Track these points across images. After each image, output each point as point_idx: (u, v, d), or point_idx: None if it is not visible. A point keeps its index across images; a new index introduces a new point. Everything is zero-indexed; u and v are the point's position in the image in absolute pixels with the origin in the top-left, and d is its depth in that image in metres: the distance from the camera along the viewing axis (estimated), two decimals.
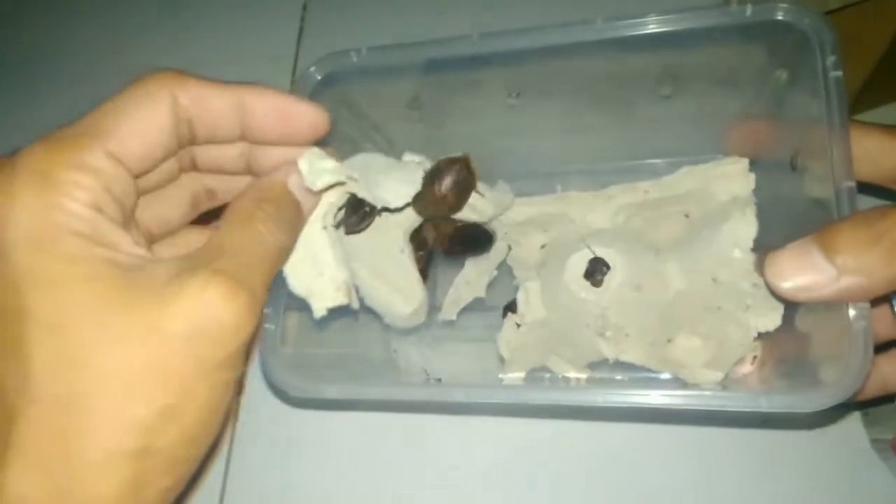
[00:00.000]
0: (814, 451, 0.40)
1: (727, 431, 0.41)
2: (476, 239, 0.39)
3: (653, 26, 0.33)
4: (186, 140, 0.28)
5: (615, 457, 0.41)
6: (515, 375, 0.37)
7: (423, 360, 0.42)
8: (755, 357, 0.37)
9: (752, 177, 0.37)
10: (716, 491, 0.40)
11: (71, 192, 0.23)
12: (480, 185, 0.38)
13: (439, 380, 0.38)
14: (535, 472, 0.42)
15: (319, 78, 0.38)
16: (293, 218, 0.30)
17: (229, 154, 0.31)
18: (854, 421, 0.40)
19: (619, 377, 0.37)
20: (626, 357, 0.36)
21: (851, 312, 0.27)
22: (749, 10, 0.32)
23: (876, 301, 0.32)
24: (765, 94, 0.36)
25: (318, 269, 0.32)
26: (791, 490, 0.40)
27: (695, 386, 0.33)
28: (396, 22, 0.57)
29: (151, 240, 0.31)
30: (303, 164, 0.31)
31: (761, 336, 0.36)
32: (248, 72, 0.56)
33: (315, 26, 0.60)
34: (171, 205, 0.31)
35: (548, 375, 0.37)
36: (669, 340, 0.37)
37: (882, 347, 0.34)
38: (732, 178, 0.38)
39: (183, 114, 0.27)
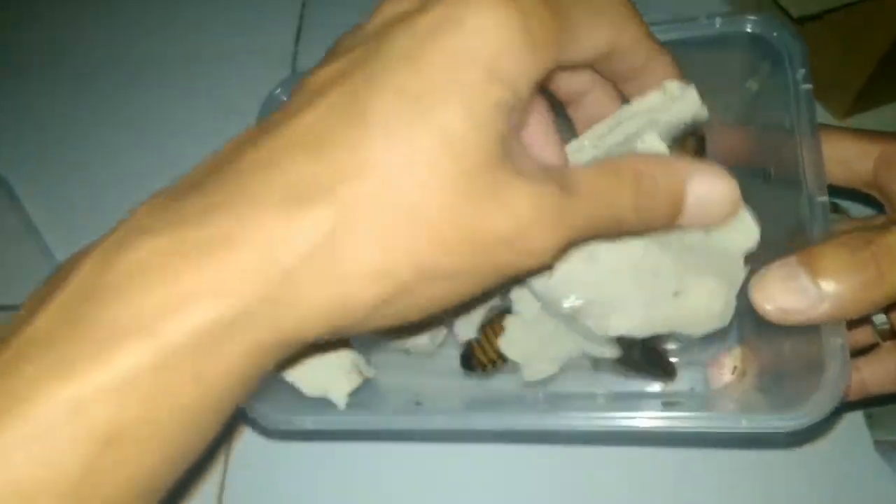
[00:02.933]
0: (817, 453, 0.40)
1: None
2: None
3: None
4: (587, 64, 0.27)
5: (609, 482, 0.41)
6: (536, 375, 0.36)
7: (404, 381, 0.42)
8: (735, 367, 0.37)
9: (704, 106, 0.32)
10: (717, 490, 0.40)
11: (537, 53, 0.23)
12: None
13: (419, 403, 0.37)
14: (517, 498, 0.42)
15: (285, 99, 0.37)
16: (657, 213, 0.26)
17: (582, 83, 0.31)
18: (857, 423, 0.41)
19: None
20: (618, 329, 0.33)
21: (828, 330, 0.27)
22: (718, 22, 0.32)
23: None
24: (735, 107, 0.36)
25: (324, 364, 0.33)
26: (794, 492, 0.40)
27: (676, 408, 0.33)
28: None
29: None
30: None
31: (742, 346, 0.36)
32: (246, 70, 0.58)
33: (314, 25, 0.60)
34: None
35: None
36: (676, 293, 0.33)
37: (859, 352, 0.35)
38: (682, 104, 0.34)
39: (613, 49, 0.26)
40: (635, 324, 0.33)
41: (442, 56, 0.22)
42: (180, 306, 0.20)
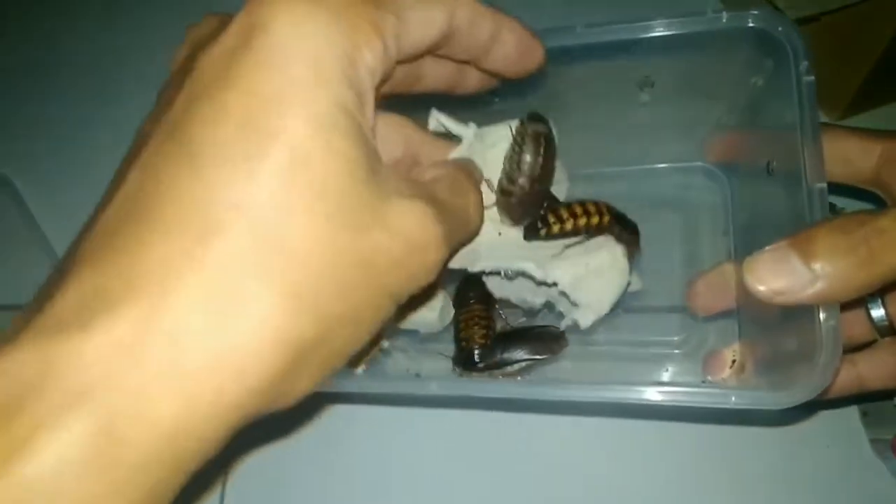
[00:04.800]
0: (812, 451, 0.40)
1: (722, 428, 0.41)
2: None
3: (630, 33, 0.33)
4: (433, 50, 0.26)
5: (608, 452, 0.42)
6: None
7: (408, 361, 0.43)
8: (734, 361, 0.38)
9: None
10: (713, 490, 0.41)
11: (361, 48, 0.21)
12: None
13: (417, 375, 0.38)
14: (511, 463, 0.43)
15: None
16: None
17: (448, 71, 0.29)
18: (853, 421, 0.41)
19: None
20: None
21: (822, 313, 0.28)
22: (724, 17, 0.33)
23: (851, 305, 0.33)
24: (741, 102, 0.37)
25: None
26: (790, 489, 0.40)
27: (670, 383, 0.33)
28: None
29: None
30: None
31: (741, 340, 0.36)
32: None
33: None
34: (387, 144, 0.29)
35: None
36: None
37: (858, 348, 0.35)
38: None
39: (453, 28, 0.25)
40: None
41: (259, 66, 0.20)
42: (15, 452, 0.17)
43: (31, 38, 0.68)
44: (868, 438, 0.40)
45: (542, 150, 0.34)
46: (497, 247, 0.36)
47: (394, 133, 0.30)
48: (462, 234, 0.27)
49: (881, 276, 0.27)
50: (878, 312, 0.34)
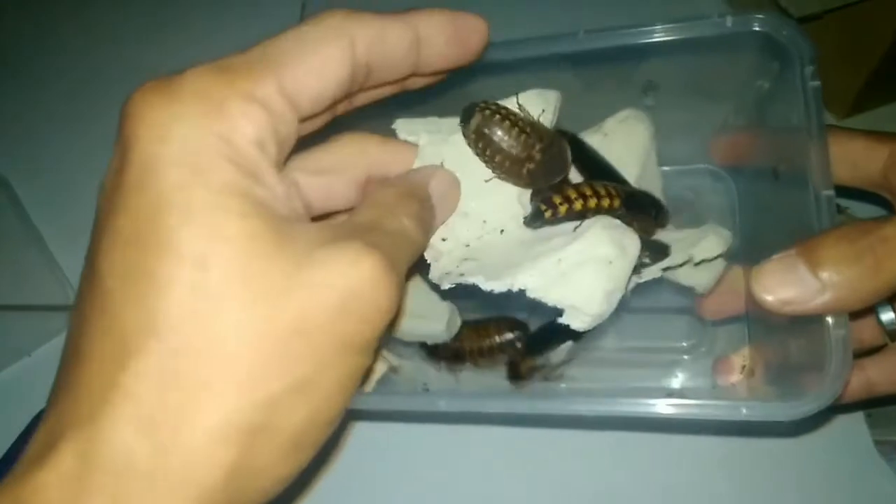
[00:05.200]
0: (817, 452, 0.40)
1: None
2: None
3: (633, 38, 0.33)
4: (357, 85, 0.24)
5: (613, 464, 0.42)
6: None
7: (416, 372, 0.43)
8: (744, 366, 0.37)
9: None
10: (717, 492, 0.41)
11: (237, 124, 0.21)
12: None
13: (426, 388, 0.38)
14: (520, 478, 0.43)
15: None
16: (430, 221, 0.29)
17: (386, 89, 0.28)
18: (858, 422, 0.40)
19: None
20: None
21: (830, 322, 0.28)
22: (729, 21, 0.32)
23: (861, 310, 0.33)
24: (746, 105, 0.37)
25: None
26: (795, 491, 0.40)
27: (680, 396, 0.33)
28: None
29: (311, 212, 0.28)
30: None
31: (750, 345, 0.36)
32: None
33: None
34: (340, 180, 0.28)
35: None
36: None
37: (868, 352, 0.35)
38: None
39: (361, 59, 0.23)
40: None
41: (137, 187, 0.20)
42: None
43: (30, 38, 0.68)
44: (873, 440, 0.40)
45: (499, 136, 0.31)
46: (498, 252, 0.33)
47: (352, 158, 0.29)
48: (407, 251, 0.25)
49: (888, 285, 0.26)
50: (887, 316, 0.34)
